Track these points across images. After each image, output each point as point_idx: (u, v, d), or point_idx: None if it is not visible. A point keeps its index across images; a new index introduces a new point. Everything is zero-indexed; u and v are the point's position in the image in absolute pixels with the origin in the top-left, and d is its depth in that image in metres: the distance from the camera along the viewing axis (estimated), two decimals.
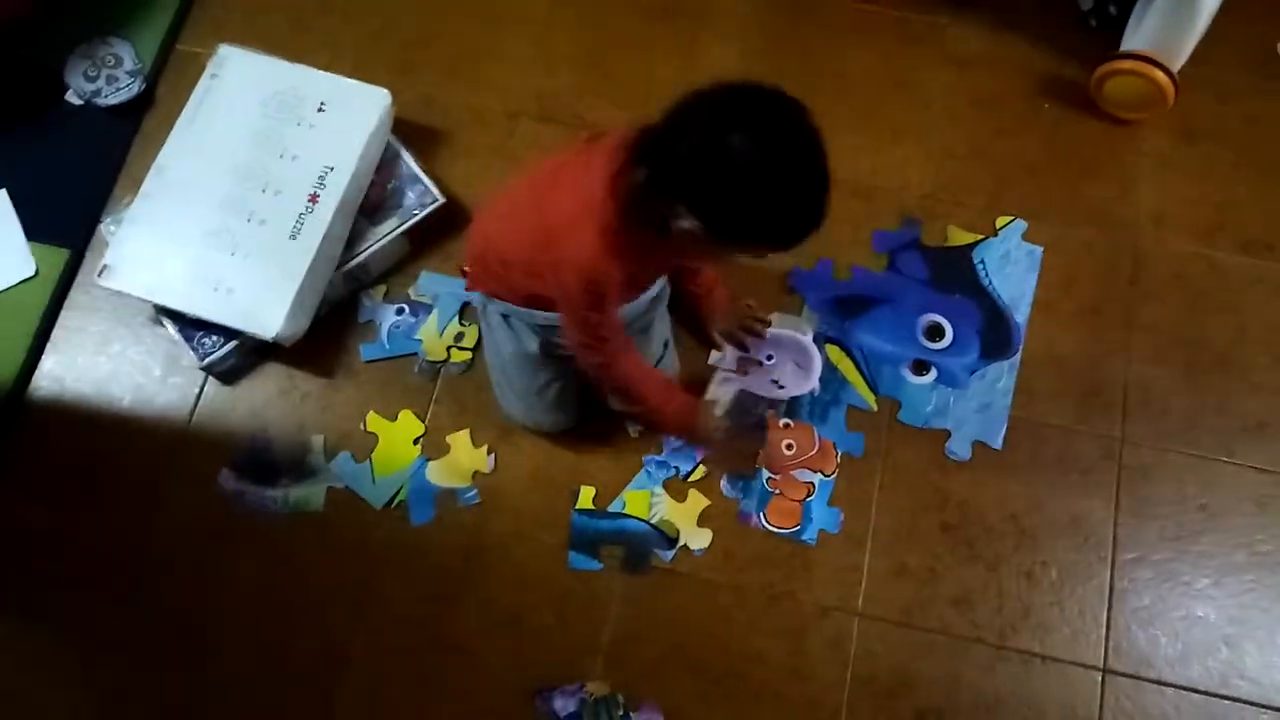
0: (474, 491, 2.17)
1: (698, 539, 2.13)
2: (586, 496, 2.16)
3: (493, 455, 2.20)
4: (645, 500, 2.16)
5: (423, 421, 2.21)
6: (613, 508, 2.16)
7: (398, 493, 2.17)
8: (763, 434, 2.19)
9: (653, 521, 2.15)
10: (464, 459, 2.20)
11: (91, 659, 2.10)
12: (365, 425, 2.21)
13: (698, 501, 2.15)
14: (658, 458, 2.18)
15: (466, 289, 2.16)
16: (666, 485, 2.17)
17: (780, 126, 1.53)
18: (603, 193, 1.63)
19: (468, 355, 2.25)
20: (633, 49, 2.50)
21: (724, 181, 1.53)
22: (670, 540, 2.13)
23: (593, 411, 2.16)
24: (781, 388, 2.22)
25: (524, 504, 2.17)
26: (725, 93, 1.55)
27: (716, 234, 1.58)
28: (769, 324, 2.22)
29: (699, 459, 2.18)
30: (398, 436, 2.21)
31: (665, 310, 2.14)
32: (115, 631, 2.11)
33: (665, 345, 2.13)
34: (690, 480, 2.17)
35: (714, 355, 2.23)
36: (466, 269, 2.10)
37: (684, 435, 2.16)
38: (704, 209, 1.56)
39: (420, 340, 2.26)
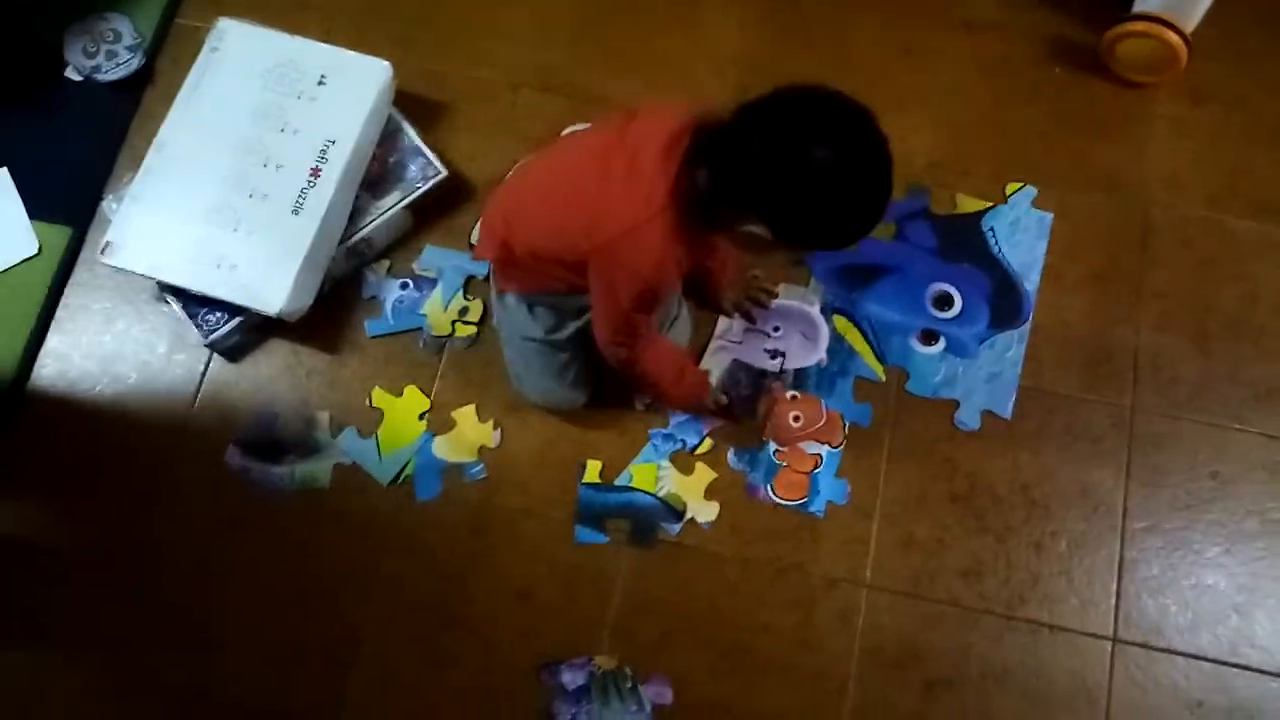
0: (480, 466, 2.17)
1: (705, 512, 2.13)
2: (593, 470, 2.16)
3: (499, 430, 2.19)
4: (652, 473, 2.15)
5: (428, 396, 2.20)
6: (619, 481, 2.15)
7: (404, 468, 2.17)
8: (753, 407, 2.18)
9: (660, 495, 2.14)
10: (470, 434, 2.19)
11: (99, 641, 2.11)
12: (371, 401, 2.20)
13: (705, 474, 2.15)
14: (664, 431, 2.17)
15: (493, 285, 2.13)
16: (673, 458, 2.16)
17: (858, 138, 1.52)
18: (665, 196, 1.60)
19: (473, 329, 2.24)
20: (633, 19, 2.48)
21: (803, 192, 1.52)
22: (677, 514, 2.13)
23: (600, 386, 2.16)
24: (775, 358, 2.21)
25: (531, 479, 2.16)
26: (799, 100, 1.54)
27: (785, 239, 1.58)
28: (775, 295, 2.21)
29: (705, 432, 2.17)
30: (403, 412, 2.20)
31: None
32: (122, 612, 2.11)
33: (680, 304, 2.11)
34: (697, 454, 2.16)
35: (721, 325, 2.22)
36: (487, 256, 2.05)
37: (690, 411, 2.16)
38: (777, 216, 1.56)
39: (425, 315, 2.25)
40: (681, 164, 1.60)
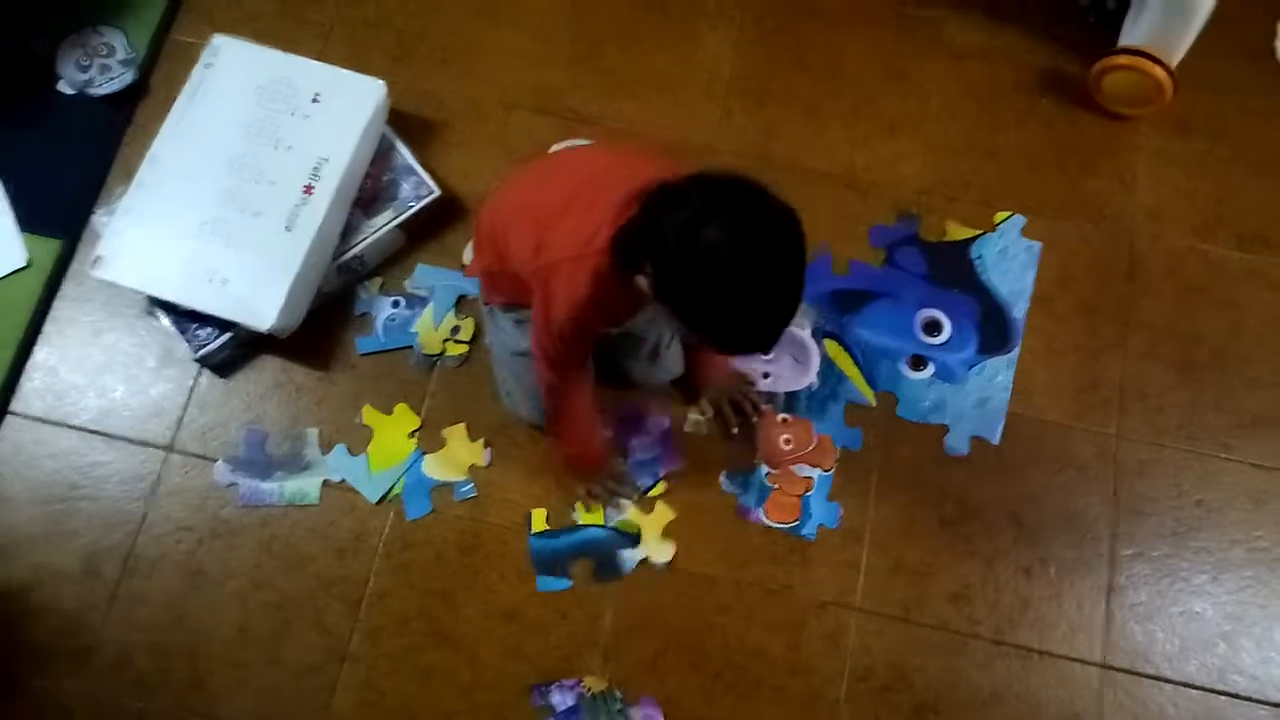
0: (470, 485, 2.16)
1: (662, 551, 2.12)
2: (539, 519, 2.15)
3: (489, 449, 2.18)
4: (599, 509, 2.15)
5: (418, 415, 2.20)
6: (570, 522, 2.15)
7: (393, 486, 2.16)
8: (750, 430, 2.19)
9: (610, 525, 2.14)
10: (460, 452, 2.18)
11: (84, 653, 2.08)
12: (361, 418, 2.19)
13: (664, 514, 2.14)
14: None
15: (482, 300, 2.13)
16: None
17: (761, 234, 1.50)
18: (605, 242, 1.62)
19: (464, 349, 2.23)
20: (628, 40, 2.49)
21: (689, 269, 1.50)
22: (633, 539, 2.13)
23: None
24: (766, 378, 2.22)
25: (521, 498, 2.15)
26: (730, 183, 1.53)
27: (663, 300, 1.58)
28: (760, 411, 2.19)
29: (660, 475, 2.17)
30: (393, 430, 2.19)
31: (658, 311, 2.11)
32: (107, 628, 2.09)
33: (658, 346, 2.10)
34: (651, 495, 2.16)
35: (691, 418, 2.21)
36: (477, 269, 2.06)
37: (571, 475, 2.14)
38: (660, 277, 1.55)
39: (416, 333, 2.25)
40: (628, 214, 1.61)
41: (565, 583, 2.11)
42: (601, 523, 2.14)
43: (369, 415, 2.20)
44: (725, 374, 2.17)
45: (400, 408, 2.20)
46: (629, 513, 2.14)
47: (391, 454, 2.18)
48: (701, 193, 1.52)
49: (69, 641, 2.09)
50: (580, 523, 2.14)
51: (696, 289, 1.51)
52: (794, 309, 1.54)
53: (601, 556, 2.12)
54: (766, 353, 1.88)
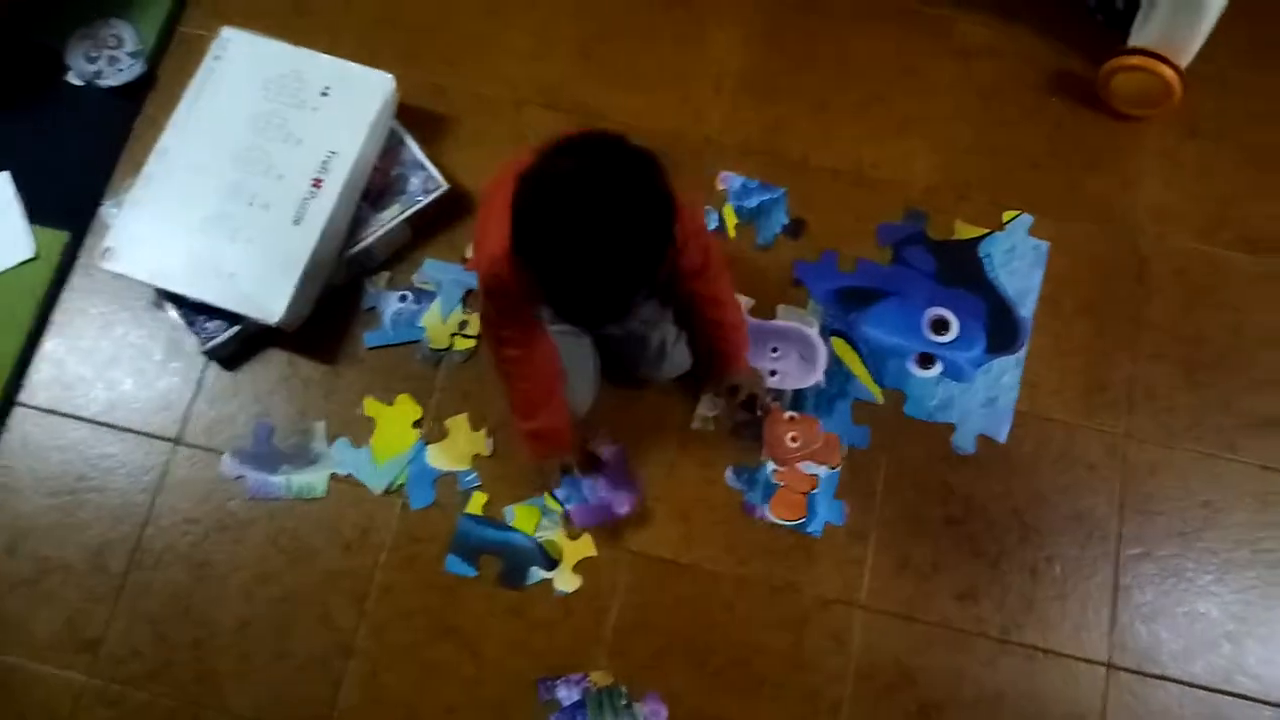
0: (474, 475, 2.17)
1: (567, 581, 2.12)
2: (477, 503, 2.15)
3: (491, 439, 2.19)
4: (535, 517, 2.15)
5: (425, 409, 2.20)
6: (504, 518, 2.15)
7: (398, 477, 2.16)
8: (758, 430, 2.19)
9: (538, 539, 2.14)
10: (463, 442, 2.19)
11: (91, 644, 2.09)
12: (363, 410, 2.20)
13: (584, 548, 2.13)
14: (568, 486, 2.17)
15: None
16: (565, 516, 2.16)
17: (610, 172, 1.53)
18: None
19: (471, 343, 2.23)
20: (638, 36, 2.48)
21: (532, 201, 1.54)
22: (552, 560, 2.12)
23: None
24: (774, 376, 2.22)
25: (524, 490, 2.16)
26: (590, 133, 1.57)
27: (519, 253, 1.60)
28: (769, 409, 2.19)
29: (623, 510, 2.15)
30: (396, 421, 2.20)
31: (662, 313, 2.12)
32: (114, 619, 2.10)
33: (664, 344, 2.11)
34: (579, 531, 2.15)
35: (699, 414, 2.21)
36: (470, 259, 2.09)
37: (535, 456, 2.10)
38: (515, 224, 1.58)
39: (424, 328, 2.25)
40: None
41: (472, 571, 2.11)
42: (532, 532, 2.13)
43: (371, 407, 2.21)
44: (743, 368, 2.14)
45: (402, 398, 2.21)
46: (557, 535, 2.14)
47: (395, 445, 2.18)
48: (559, 142, 1.56)
49: (76, 632, 2.09)
50: (512, 525, 2.14)
51: (543, 229, 1.54)
52: (646, 258, 1.55)
53: (514, 563, 2.12)
54: (617, 318, 1.86)
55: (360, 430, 2.19)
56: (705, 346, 2.12)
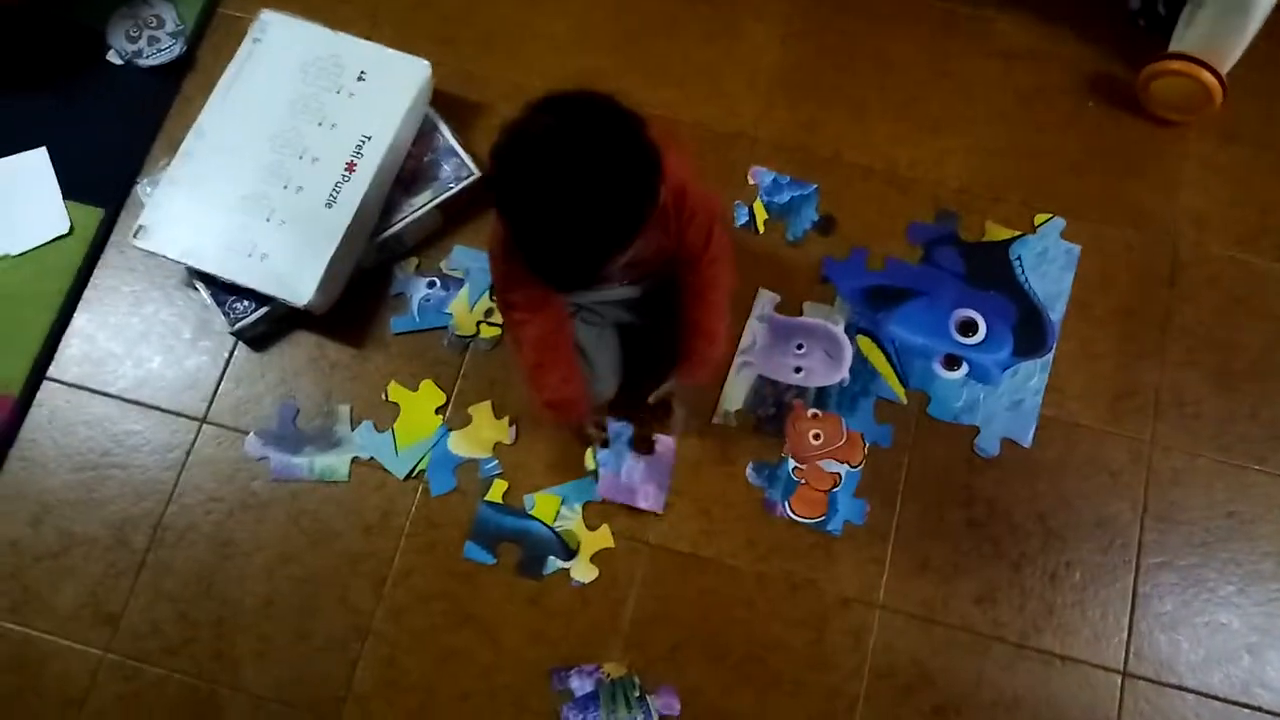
0: (495, 462, 2.17)
1: (584, 571, 2.12)
2: (497, 490, 2.16)
3: (514, 426, 2.19)
4: (554, 507, 2.15)
5: (450, 395, 2.21)
6: (524, 506, 2.16)
7: (419, 462, 2.17)
8: (780, 426, 2.18)
9: (556, 529, 2.14)
10: (486, 429, 2.20)
11: (111, 619, 2.11)
12: (387, 395, 2.21)
13: (602, 540, 2.13)
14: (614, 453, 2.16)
15: None
16: (585, 506, 2.15)
17: (585, 123, 1.54)
18: None
19: (497, 331, 2.24)
20: (673, 29, 2.48)
21: (498, 148, 1.56)
22: (570, 551, 2.13)
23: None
24: (798, 373, 2.21)
25: (544, 480, 2.16)
26: (573, 102, 1.58)
27: (499, 208, 1.64)
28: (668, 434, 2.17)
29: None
30: (419, 406, 2.21)
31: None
32: (134, 594, 2.12)
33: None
34: (600, 522, 2.15)
35: (744, 340, 2.22)
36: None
37: (553, 422, 2.13)
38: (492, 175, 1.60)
39: (451, 314, 2.26)
40: None
41: (490, 559, 2.12)
42: (552, 521, 2.14)
43: (395, 392, 2.22)
44: (686, 382, 2.09)
45: (426, 384, 2.22)
46: (576, 525, 2.14)
47: (418, 430, 2.19)
48: (547, 96, 1.59)
49: (96, 607, 2.11)
50: (532, 514, 2.14)
51: (511, 180, 1.55)
52: (614, 219, 1.55)
53: (533, 552, 2.12)
54: (585, 279, 1.79)
55: (384, 415, 2.20)
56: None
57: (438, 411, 2.20)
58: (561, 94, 1.58)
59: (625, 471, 2.14)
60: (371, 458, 2.17)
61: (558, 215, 1.52)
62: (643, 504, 2.13)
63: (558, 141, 1.52)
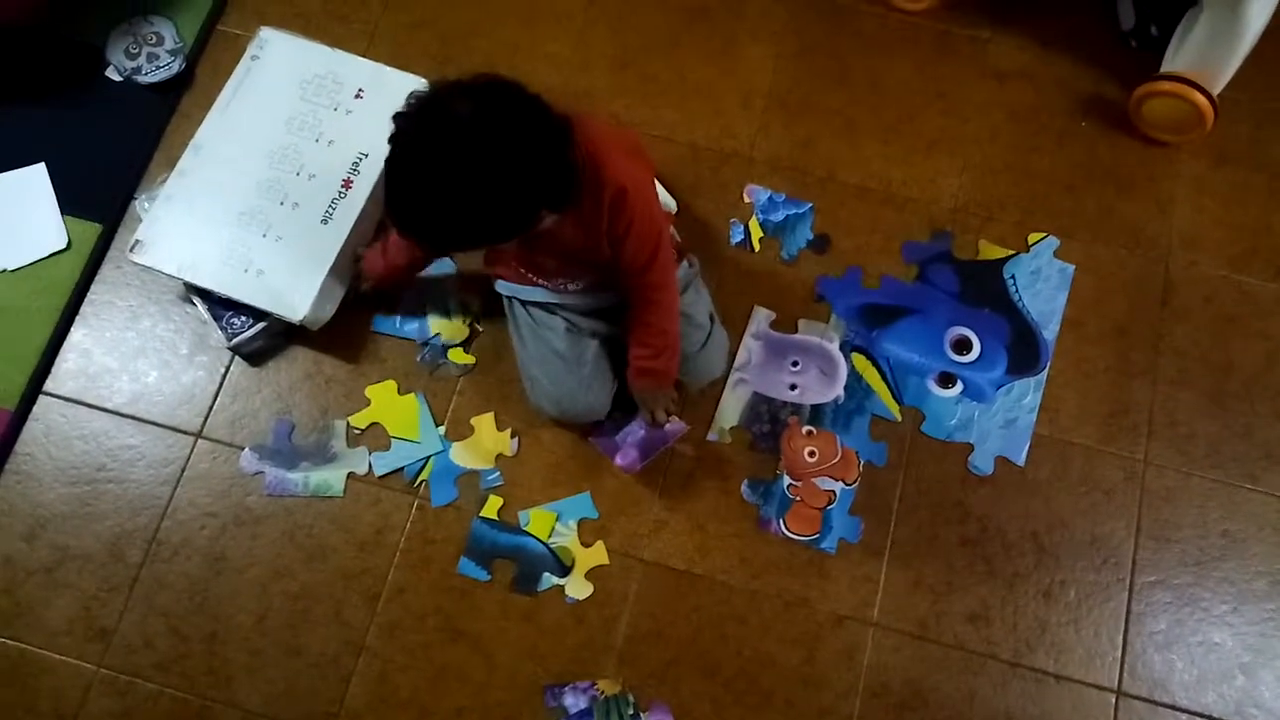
0: (497, 473, 2.18)
1: (579, 588, 2.12)
2: (492, 506, 2.16)
3: (516, 439, 2.20)
4: (549, 523, 2.15)
5: (447, 407, 2.22)
6: (519, 523, 2.16)
7: (420, 472, 2.18)
8: (775, 443, 2.19)
9: (551, 545, 2.14)
10: (487, 441, 2.20)
11: (104, 634, 2.10)
12: (371, 399, 2.23)
13: (597, 556, 2.14)
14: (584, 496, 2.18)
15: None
16: (580, 522, 2.16)
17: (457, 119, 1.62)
18: None
19: (471, 359, 2.26)
20: (670, 50, 2.49)
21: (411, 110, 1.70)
22: (565, 567, 2.13)
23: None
24: (794, 390, 2.22)
25: (541, 496, 2.16)
26: (468, 84, 1.66)
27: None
28: (660, 424, 2.17)
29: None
30: (401, 410, 2.23)
31: (700, 287, 2.16)
32: (128, 608, 2.12)
33: (711, 319, 2.15)
34: (595, 538, 2.15)
35: (740, 358, 2.24)
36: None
37: (644, 392, 2.10)
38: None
39: (440, 331, 2.26)
40: None
41: (484, 574, 2.12)
42: (546, 537, 2.14)
43: (372, 392, 2.24)
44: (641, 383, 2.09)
45: (408, 398, 2.23)
46: (571, 541, 2.14)
47: (415, 436, 2.21)
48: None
49: (90, 622, 2.11)
50: (527, 530, 2.14)
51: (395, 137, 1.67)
52: (478, 196, 1.62)
53: (527, 568, 2.13)
54: (443, 246, 2.04)
55: (379, 431, 2.20)
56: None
57: (438, 424, 2.21)
58: (463, 79, 1.66)
59: (623, 434, 2.17)
60: (367, 472, 2.18)
61: (429, 170, 1.63)
62: (619, 461, 2.16)
63: (452, 108, 1.62)
